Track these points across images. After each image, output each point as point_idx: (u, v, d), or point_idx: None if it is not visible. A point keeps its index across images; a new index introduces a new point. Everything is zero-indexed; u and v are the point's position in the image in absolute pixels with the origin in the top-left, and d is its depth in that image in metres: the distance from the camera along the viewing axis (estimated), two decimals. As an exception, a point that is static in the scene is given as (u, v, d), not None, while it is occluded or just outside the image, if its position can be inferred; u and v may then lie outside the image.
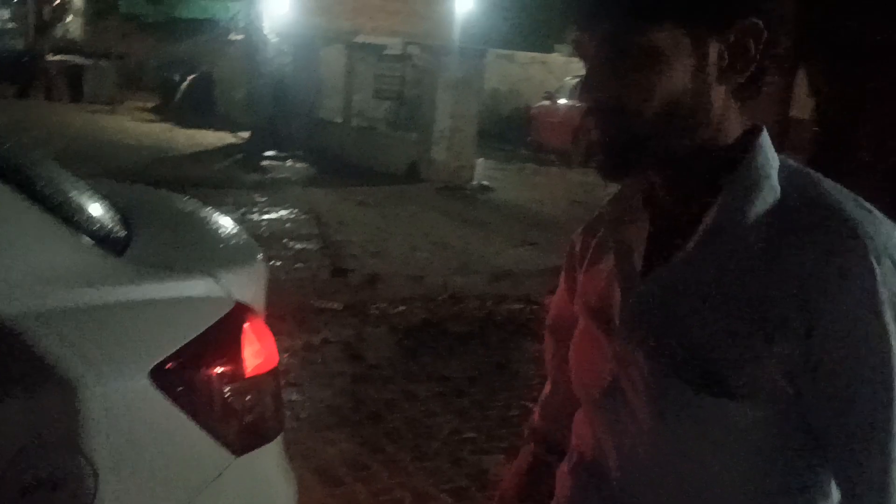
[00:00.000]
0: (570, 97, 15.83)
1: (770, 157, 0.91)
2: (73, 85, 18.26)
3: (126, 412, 1.36)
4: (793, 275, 0.83)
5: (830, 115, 3.51)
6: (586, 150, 14.55)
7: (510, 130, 17.30)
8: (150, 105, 18.74)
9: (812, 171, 0.91)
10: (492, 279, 6.45)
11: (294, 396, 4.08)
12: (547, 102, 16.42)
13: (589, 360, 1.02)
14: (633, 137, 0.89)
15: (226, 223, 1.92)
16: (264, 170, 11.45)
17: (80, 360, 1.31)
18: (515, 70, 19.18)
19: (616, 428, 0.97)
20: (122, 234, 1.59)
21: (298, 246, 6.99)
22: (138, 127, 15.10)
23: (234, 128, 14.75)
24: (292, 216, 8.26)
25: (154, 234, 1.67)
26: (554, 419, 1.26)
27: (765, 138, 0.92)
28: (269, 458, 1.58)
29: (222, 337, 1.49)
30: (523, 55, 19.25)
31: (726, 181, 0.89)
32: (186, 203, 2.06)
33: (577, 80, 16.08)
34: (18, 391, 1.27)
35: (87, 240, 1.46)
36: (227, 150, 13.05)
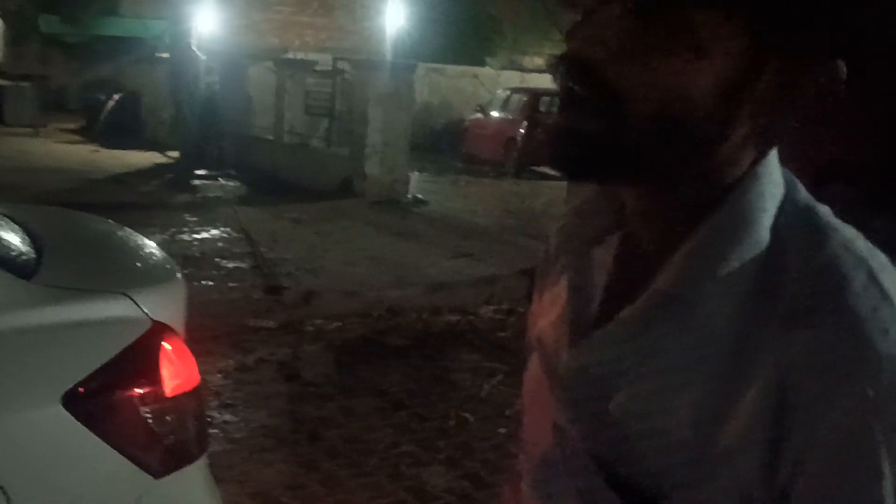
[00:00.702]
0: (501, 109, 16.04)
1: (767, 191, 0.66)
2: (-6, 108, 17.67)
3: (39, 439, 1.32)
4: (761, 381, 0.61)
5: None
6: (518, 161, 14.77)
7: (443, 143, 17.41)
8: (74, 127, 18.25)
9: (823, 215, 0.66)
10: (428, 291, 6.46)
11: (228, 418, 4.01)
12: (479, 115, 16.59)
13: (533, 411, 0.80)
14: (616, 131, 0.63)
15: (143, 243, 1.88)
16: (195, 189, 11.25)
17: (-13, 387, 1.27)
18: (447, 83, 19.33)
19: (544, 501, 0.77)
20: (32, 256, 1.55)
21: (231, 265, 6.88)
22: (63, 149, 14.68)
23: (162, 148, 14.48)
24: (224, 235, 8.13)
25: (67, 255, 1.63)
26: None
27: (767, 164, 0.67)
28: (193, 479, 1.55)
29: (139, 357, 1.46)
30: (454, 68, 19.46)
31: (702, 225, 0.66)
32: (102, 224, 2.01)
33: (509, 92, 16.33)
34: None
35: (-8, 264, 1.42)
36: (155, 171, 12.80)
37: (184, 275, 1.83)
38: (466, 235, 8.76)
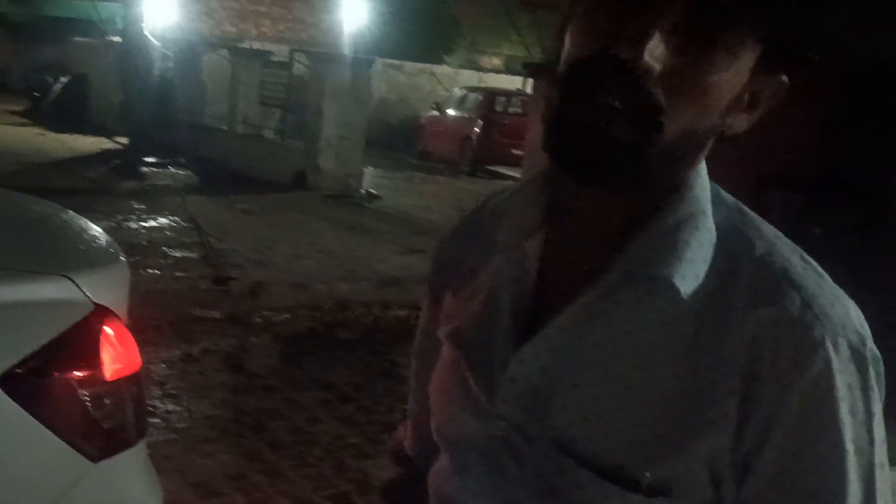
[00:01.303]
0: (457, 108, 16.08)
1: (707, 186, 0.72)
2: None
3: (-28, 420, 1.30)
4: (729, 356, 0.65)
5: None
6: (473, 159, 14.84)
7: (399, 139, 17.37)
8: (19, 109, 17.74)
9: (748, 211, 0.73)
10: (378, 286, 6.45)
11: (171, 408, 3.96)
12: (435, 112, 16.61)
13: (456, 407, 0.80)
14: (650, 142, 0.64)
15: (86, 225, 1.85)
16: (143, 177, 11.05)
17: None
18: (404, 79, 19.31)
19: (491, 494, 0.76)
20: (-31, 235, 1.52)
21: (178, 254, 6.78)
22: (5, 131, 14.26)
23: (110, 133, 14.15)
24: (173, 224, 8.01)
25: (5, 236, 1.60)
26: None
27: (702, 163, 0.72)
28: (131, 464, 1.54)
29: (80, 340, 1.44)
30: (412, 65, 19.44)
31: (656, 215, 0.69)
32: (43, 205, 1.98)
33: (465, 91, 16.38)
34: None
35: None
36: (102, 156, 12.52)
37: (128, 260, 1.82)
38: (418, 232, 8.78)
